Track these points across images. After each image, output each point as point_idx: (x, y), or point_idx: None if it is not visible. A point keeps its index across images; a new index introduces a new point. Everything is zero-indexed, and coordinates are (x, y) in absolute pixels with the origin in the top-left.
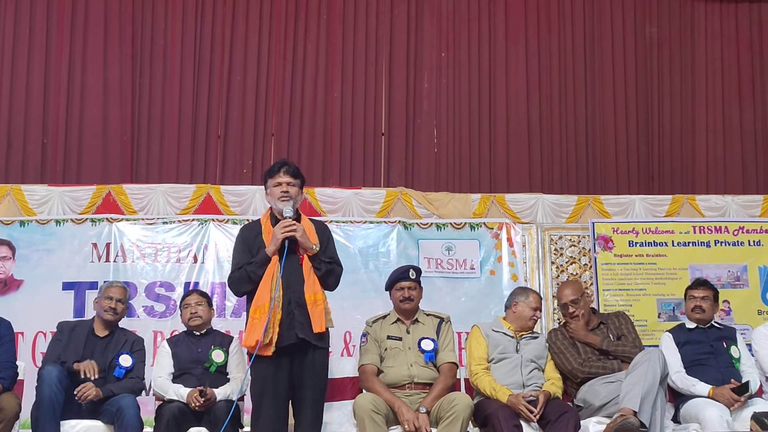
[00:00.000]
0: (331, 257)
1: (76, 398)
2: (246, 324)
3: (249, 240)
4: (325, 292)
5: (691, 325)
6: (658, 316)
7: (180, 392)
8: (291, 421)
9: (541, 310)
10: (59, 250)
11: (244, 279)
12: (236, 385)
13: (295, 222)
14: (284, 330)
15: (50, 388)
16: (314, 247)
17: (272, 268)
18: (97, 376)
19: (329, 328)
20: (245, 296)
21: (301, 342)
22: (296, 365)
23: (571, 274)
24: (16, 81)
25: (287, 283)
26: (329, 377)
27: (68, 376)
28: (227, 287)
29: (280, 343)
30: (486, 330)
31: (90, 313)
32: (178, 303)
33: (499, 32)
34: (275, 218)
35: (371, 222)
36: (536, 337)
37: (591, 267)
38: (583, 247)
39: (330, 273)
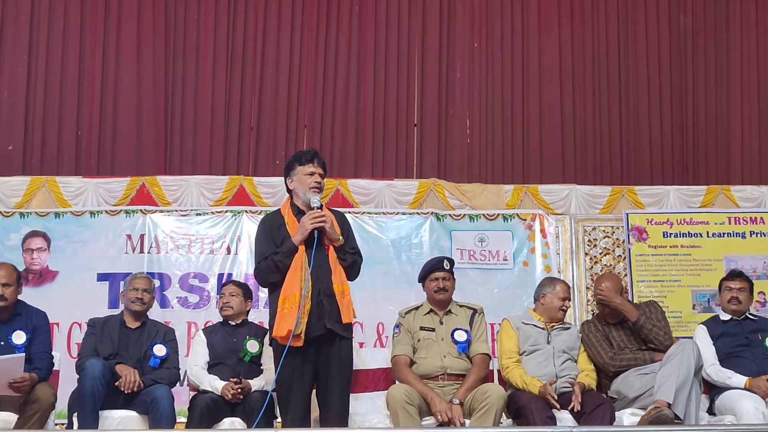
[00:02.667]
0: (352, 248)
1: (120, 388)
2: (272, 314)
3: (272, 230)
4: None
5: (725, 316)
6: (693, 308)
7: (215, 384)
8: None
9: (570, 300)
10: (94, 242)
11: (271, 269)
12: (270, 376)
13: (322, 212)
14: (313, 321)
15: (93, 381)
16: (340, 238)
17: (300, 259)
18: (132, 390)
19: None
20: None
21: (328, 333)
22: (322, 356)
23: (605, 265)
24: (50, 74)
25: (315, 274)
26: (362, 368)
27: (110, 371)
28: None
29: (308, 333)
30: (516, 323)
31: None
32: (212, 294)
33: (532, 22)
34: (296, 208)
35: (404, 213)
36: (568, 328)
37: (625, 258)
38: (617, 238)
39: (354, 264)
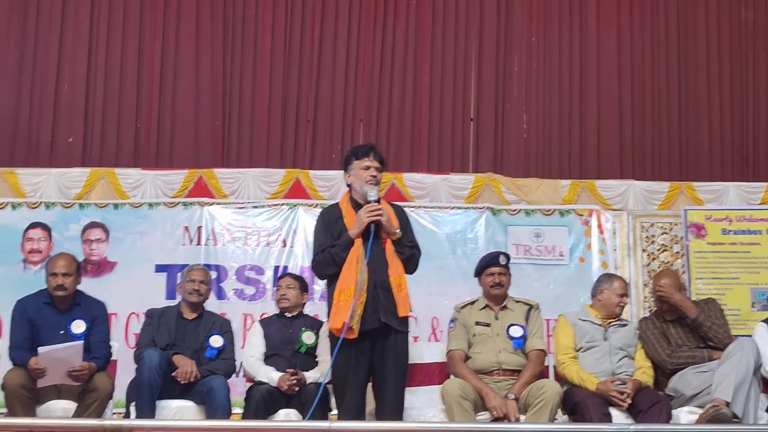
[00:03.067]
0: (410, 241)
1: (177, 379)
2: (329, 306)
3: (330, 223)
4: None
5: None
6: (752, 305)
7: (271, 375)
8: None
9: (628, 296)
10: (152, 233)
11: (327, 261)
12: (325, 368)
13: (380, 206)
14: (368, 313)
15: (150, 371)
16: (397, 231)
17: (356, 251)
18: (189, 381)
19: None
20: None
21: (383, 326)
22: (377, 349)
23: (663, 262)
24: (110, 67)
25: (372, 267)
26: (417, 362)
27: (167, 361)
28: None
29: (363, 326)
30: (572, 319)
31: None
32: (267, 286)
33: (591, 16)
34: (354, 201)
35: (459, 208)
36: (625, 325)
37: (683, 255)
38: (675, 235)
39: (412, 257)
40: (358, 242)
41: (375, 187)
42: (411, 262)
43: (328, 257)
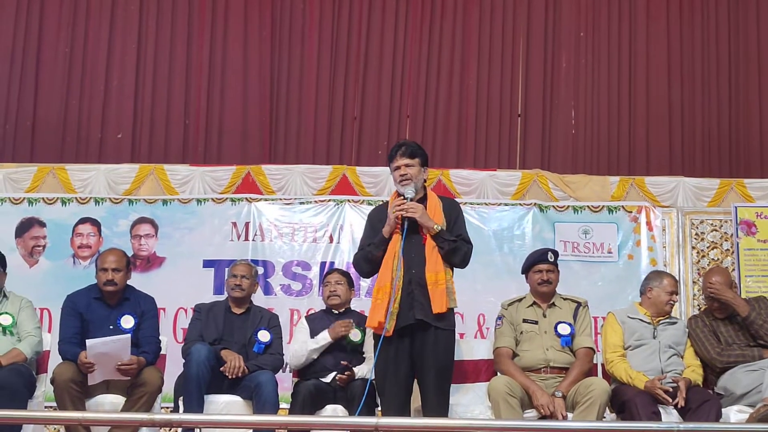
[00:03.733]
0: (458, 234)
1: (225, 374)
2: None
3: (375, 222)
4: (455, 271)
5: None
6: None
7: (320, 338)
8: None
9: (677, 294)
10: (200, 229)
11: (363, 259)
12: (371, 365)
13: (407, 201)
14: (404, 310)
15: (198, 366)
16: (435, 226)
17: (393, 249)
18: (237, 375)
19: (453, 308)
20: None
21: (420, 323)
22: (417, 346)
23: (713, 259)
24: (159, 64)
25: (408, 264)
26: (464, 359)
27: (215, 356)
28: None
29: (399, 323)
30: (621, 317)
31: None
32: (314, 282)
33: (640, 10)
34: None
35: (506, 204)
36: (674, 323)
37: (733, 252)
38: (725, 232)
39: (455, 251)
40: (396, 239)
41: (409, 184)
42: (454, 257)
43: (364, 255)
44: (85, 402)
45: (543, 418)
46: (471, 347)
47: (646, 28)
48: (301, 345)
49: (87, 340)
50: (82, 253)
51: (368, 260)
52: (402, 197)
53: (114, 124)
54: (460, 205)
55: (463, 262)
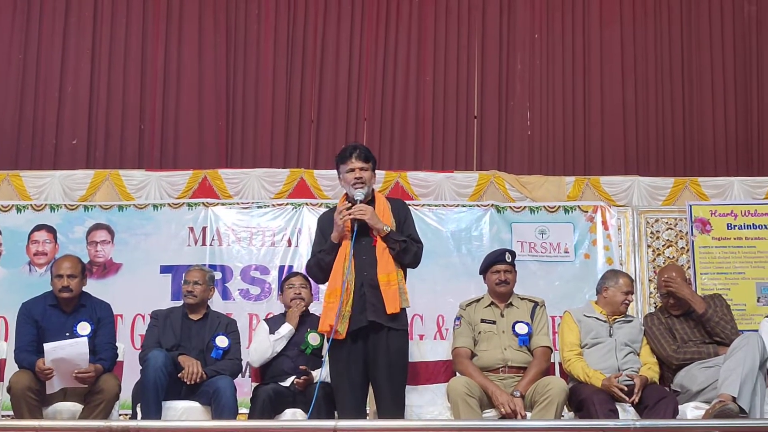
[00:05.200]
0: (408, 234)
1: (183, 380)
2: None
3: (325, 227)
4: (414, 272)
5: None
6: (758, 300)
7: (281, 330)
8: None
9: (633, 293)
10: (157, 234)
11: (316, 266)
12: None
13: (355, 204)
14: (356, 313)
15: (155, 372)
16: (385, 228)
17: (342, 253)
18: (195, 381)
19: (405, 308)
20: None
21: (372, 324)
22: (370, 348)
23: (668, 257)
24: (113, 69)
25: (360, 266)
26: (422, 360)
27: (172, 362)
28: None
29: (351, 326)
30: (577, 315)
31: None
32: (273, 286)
33: (594, 12)
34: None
35: (464, 205)
36: (630, 321)
37: (688, 250)
38: (680, 231)
39: (405, 251)
40: (346, 243)
41: (363, 188)
42: (405, 257)
43: (315, 262)
44: (43, 410)
45: (503, 417)
46: (430, 348)
47: (600, 30)
48: (262, 340)
49: (45, 344)
50: (37, 261)
51: (321, 267)
52: (349, 201)
53: (69, 129)
54: (418, 206)
55: (415, 262)
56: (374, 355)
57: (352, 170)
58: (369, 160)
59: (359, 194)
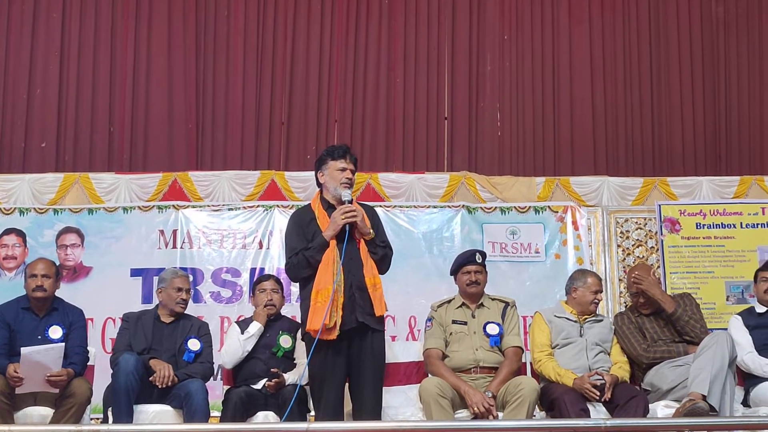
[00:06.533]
0: (383, 241)
1: (155, 383)
2: (305, 308)
3: (302, 225)
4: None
5: (761, 308)
6: (727, 299)
7: (250, 328)
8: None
9: (602, 293)
10: (127, 237)
11: (303, 264)
12: (302, 370)
13: (354, 207)
14: (346, 314)
15: (126, 376)
16: (371, 231)
17: (331, 253)
18: (166, 385)
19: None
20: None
21: (360, 326)
22: (355, 349)
23: (638, 257)
24: (82, 72)
25: (347, 268)
26: (394, 362)
27: (143, 365)
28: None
29: (341, 327)
30: (548, 316)
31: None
32: (244, 289)
33: (563, 13)
34: (327, 202)
35: (435, 206)
36: (601, 320)
37: (658, 250)
38: (650, 230)
39: (385, 257)
40: (333, 243)
41: (349, 189)
42: (384, 262)
43: (303, 260)
44: (14, 414)
45: (475, 417)
46: (402, 350)
47: (569, 30)
48: (233, 340)
49: (22, 348)
50: (7, 265)
51: (309, 265)
52: (344, 202)
53: (38, 132)
54: (389, 208)
55: (388, 268)
56: (359, 356)
57: (344, 169)
58: (355, 165)
59: (347, 194)
